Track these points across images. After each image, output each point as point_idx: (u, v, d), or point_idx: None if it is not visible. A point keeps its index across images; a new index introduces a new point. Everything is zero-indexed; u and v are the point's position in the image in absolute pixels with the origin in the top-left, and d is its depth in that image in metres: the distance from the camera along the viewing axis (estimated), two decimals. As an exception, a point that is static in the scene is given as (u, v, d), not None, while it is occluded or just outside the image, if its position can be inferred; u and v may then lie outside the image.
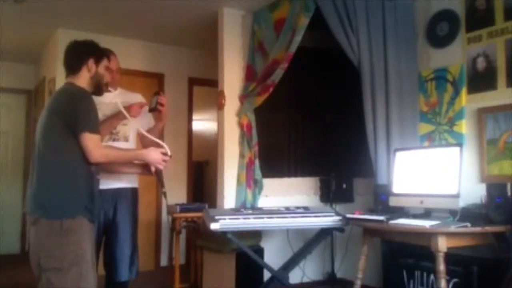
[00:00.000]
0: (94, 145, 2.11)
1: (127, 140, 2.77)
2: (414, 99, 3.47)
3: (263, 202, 4.02)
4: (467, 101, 3.21)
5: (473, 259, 2.82)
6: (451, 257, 2.57)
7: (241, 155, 3.97)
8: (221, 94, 4.08)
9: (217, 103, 4.15)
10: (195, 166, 5.78)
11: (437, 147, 3.21)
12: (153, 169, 2.42)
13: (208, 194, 5.78)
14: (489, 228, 2.52)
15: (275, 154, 4.26)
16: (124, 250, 2.70)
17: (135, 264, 2.74)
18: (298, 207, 3.35)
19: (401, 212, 3.04)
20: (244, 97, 3.99)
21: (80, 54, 2.28)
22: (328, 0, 3.38)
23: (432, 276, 2.95)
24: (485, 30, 3.11)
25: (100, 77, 2.33)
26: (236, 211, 3.16)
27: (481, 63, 3.13)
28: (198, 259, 4.06)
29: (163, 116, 2.75)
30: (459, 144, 2.95)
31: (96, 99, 2.31)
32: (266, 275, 3.47)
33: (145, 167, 2.45)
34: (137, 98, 2.88)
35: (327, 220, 3.08)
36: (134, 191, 2.82)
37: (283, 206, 3.46)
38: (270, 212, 3.12)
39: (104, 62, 2.35)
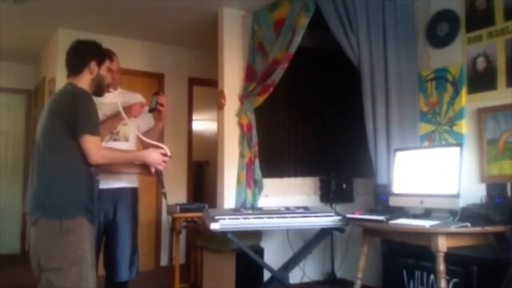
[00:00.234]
0: (94, 147, 2.11)
1: (128, 140, 2.78)
2: (414, 99, 3.47)
3: (263, 202, 4.02)
4: (467, 101, 3.21)
5: (473, 259, 2.82)
6: (451, 257, 2.57)
7: (241, 155, 3.97)
8: (221, 94, 4.08)
9: (217, 103, 4.15)
10: (195, 166, 5.78)
11: (437, 147, 3.21)
12: (153, 169, 2.42)
13: (208, 194, 5.78)
14: (489, 228, 2.52)
15: (275, 154, 4.26)
16: (124, 250, 2.70)
17: (135, 264, 2.74)
18: (298, 207, 3.35)
19: (401, 212, 3.04)
20: (244, 97, 4.00)
21: (83, 55, 2.28)
22: (328, 0, 3.38)
23: (432, 276, 2.95)
24: (485, 30, 3.11)
25: (102, 79, 2.33)
26: (236, 211, 3.16)
27: (481, 63, 3.13)
28: (198, 259, 4.06)
29: (163, 116, 2.75)
30: (459, 144, 2.95)
31: (96, 99, 2.32)
32: (266, 275, 3.47)
33: (145, 167, 2.45)
34: (137, 98, 2.88)
35: (327, 220, 3.08)
36: (134, 191, 2.82)
37: (283, 206, 3.46)
38: (270, 212, 3.12)
39: (106, 64, 2.35)
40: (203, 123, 6.36)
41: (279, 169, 4.28)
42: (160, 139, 2.62)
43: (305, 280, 4.16)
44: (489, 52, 3.08)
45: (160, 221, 5.14)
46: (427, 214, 2.95)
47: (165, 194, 2.55)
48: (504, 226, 2.52)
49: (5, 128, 6.06)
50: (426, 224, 2.56)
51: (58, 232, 2.05)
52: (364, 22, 3.37)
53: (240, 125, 4.00)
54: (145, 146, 2.68)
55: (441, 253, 2.50)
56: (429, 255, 2.60)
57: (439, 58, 3.40)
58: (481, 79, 3.12)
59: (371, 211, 3.14)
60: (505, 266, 2.47)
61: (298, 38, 3.55)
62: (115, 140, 2.72)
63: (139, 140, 2.84)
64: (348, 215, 3.09)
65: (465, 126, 3.21)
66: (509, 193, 2.67)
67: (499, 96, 3.01)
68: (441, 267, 2.50)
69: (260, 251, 3.70)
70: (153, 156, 2.37)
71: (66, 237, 2.06)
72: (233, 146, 4.01)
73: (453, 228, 2.50)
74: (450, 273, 2.65)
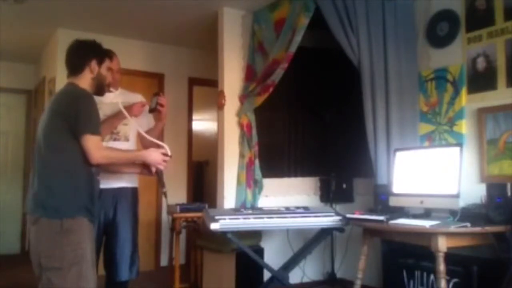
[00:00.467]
0: (95, 146, 2.11)
1: (128, 140, 2.78)
2: (414, 99, 3.47)
3: (263, 202, 4.03)
4: (467, 101, 3.21)
5: (473, 259, 2.82)
6: (451, 257, 2.57)
7: (241, 155, 3.97)
8: (221, 94, 4.08)
9: (217, 103, 4.15)
10: (195, 166, 5.79)
11: (437, 147, 3.21)
12: (153, 169, 2.42)
13: (208, 194, 5.78)
14: (489, 228, 2.52)
15: (275, 154, 4.26)
16: (125, 250, 2.70)
17: (136, 264, 2.74)
18: (298, 207, 3.35)
19: (401, 212, 3.04)
20: (244, 97, 4.00)
21: (83, 55, 2.28)
22: (328, 0, 3.38)
23: (432, 276, 2.95)
24: (485, 30, 3.11)
25: (102, 78, 2.33)
26: (236, 211, 3.16)
27: (481, 63, 3.13)
28: (198, 259, 4.06)
29: (163, 116, 2.76)
30: (459, 144, 2.95)
31: (97, 99, 2.31)
32: (266, 275, 3.48)
33: (145, 167, 2.45)
34: (138, 98, 2.88)
35: (327, 220, 3.08)
36: (134, 191, 2.82)
37: (283, 206, 3.46)
38: (270, 212, 3.12)
39: (107, 63, 2.35)
40: (203, 123, 6.36)
41: (279, 169, 4.28)
42: (160, 139, 2.63)
43: (305, 280, 4.16)
44: (489, 52, 3.08)
45: (160, 221, 5.14)
46: (427, 214, 2.95)
47: (165, 194, 2.55)
48: (504, 226, 2.52)
49: (5, 128, 6.06)
50: (426, 224, 2.56)
51: (58, 231, 2.05)
52: (364, 22, 3.37)
53: (240, 125, 4.00)
54: (146, 146, 2.69)
55: (441, 253, 2.50)
56: (429, 255, 2.60)
57: (439, 58, 3.40)
58: (481, 79, 3.13)
59: (371, 211, 3.15)
60: (505, 266, 2.47)
61: (298, 38, 3.55)
62: (115, 140, 2.72)
63: (140, 139, 2.84)
64: (348, 215, 3.09)
65: (465, 126, 3.21)
66: (509, 193, 2.67)
67: (499, 96, 3.01)
68: (441, 267, 2.50)
69: (260, 251, 3.70)
70: (154, 156, 2.37)
71: (67, 237, 2.06)
72: (233, 146, 4.01)
73: (453, 228, 2.50)
74: (450, 273, 2.65)
